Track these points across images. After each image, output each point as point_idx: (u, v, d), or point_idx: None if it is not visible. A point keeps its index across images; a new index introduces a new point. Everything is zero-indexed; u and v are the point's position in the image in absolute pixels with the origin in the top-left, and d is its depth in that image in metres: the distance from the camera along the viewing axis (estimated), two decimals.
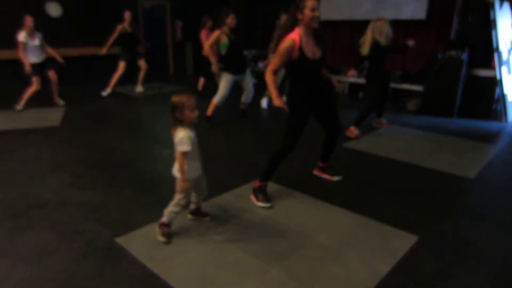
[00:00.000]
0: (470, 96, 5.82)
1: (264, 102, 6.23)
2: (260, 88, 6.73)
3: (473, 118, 5.70)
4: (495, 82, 5.56)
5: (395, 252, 2.31)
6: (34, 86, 5.58)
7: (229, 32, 4.71)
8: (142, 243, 2.38)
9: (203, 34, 6.70)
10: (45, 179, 3.34)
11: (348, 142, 4.48)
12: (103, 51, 6.66)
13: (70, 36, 7.70)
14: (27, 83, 5.58)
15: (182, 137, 2.20)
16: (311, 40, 2.74)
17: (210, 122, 4.98)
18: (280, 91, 3.03)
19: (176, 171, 2.33)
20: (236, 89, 5.20)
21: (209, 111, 4.95)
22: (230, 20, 4.66)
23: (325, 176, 3.42)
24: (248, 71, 5.07)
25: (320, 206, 2.91)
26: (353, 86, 7.34)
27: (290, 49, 2.65)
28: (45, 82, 5.79)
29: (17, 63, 5.59)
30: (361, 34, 4.73)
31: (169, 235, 2.42)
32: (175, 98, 2.21)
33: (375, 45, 4.47)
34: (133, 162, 3.79)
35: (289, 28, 2.72)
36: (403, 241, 2.43)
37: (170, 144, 2.59)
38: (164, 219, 2.41)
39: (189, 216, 2.66)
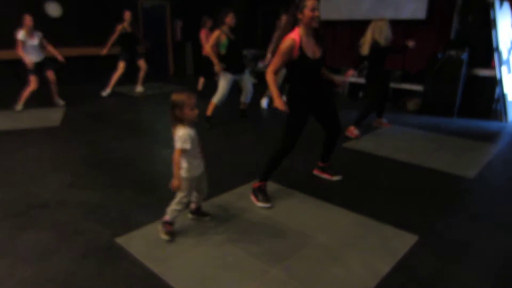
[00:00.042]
0: (470, 95, 5.82)
1: (264, 102, 6.23)
2: (260, 88, 6.73)
3: (473, 117, 5.70)
4: (495, 82, 5.56)
5: (395, 252, 2.31)
6: (32, 85, 5.58)
7: (229, 32, 4.71)
8: (142, 243, 2.38)
9: (202, 34, 6.71)
10: (45, 179, 3.34)
11: (348, 142, 4.48)
12: (104, 51, 6.67)
13: (70, 36, 7.70)
14: (26, 83, 5.58)
15: (182, 135, 2.20)
16: (312, 40, 2.74)
17: (210, 122, 4.98)
18: (281, 91, 3.02)
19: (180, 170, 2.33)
20: (235, 89, 5.20)
21: (209, 111, 4.95)
22: (230, 19, 4.66)
23: (325, 176, 3.42)
24: (247, 71, 5.07)
25: (320, 206, 2.91)
26: (353, 86, 7.34)
27: (291, 48, 2.65)
28: (44, 82, 5.78)
29: (17, 63, 5.60)
30: (361, 34, 4.73)
31: (172, 233, 2.43)
32: (175, 96, 2.21)
33: (374, 45, 4.47)
34: (133, 162, 3.79)
35: (289, 28, 2.72)
36: (403, 241, 2.43)
37: (170, 143, 2.60)
38: (167, 217, 2.42)
39: (189, 216, 2.66)
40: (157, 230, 2.48)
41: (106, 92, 6.88)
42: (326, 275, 2.11)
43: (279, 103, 2.67)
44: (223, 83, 4.84)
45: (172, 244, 2.37)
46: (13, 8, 6.53)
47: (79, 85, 7.67)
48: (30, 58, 5.48)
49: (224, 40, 4.68)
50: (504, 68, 5.45)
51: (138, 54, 7.03)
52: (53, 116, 5.44)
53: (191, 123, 2.27)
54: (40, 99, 6.04)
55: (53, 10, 7.55)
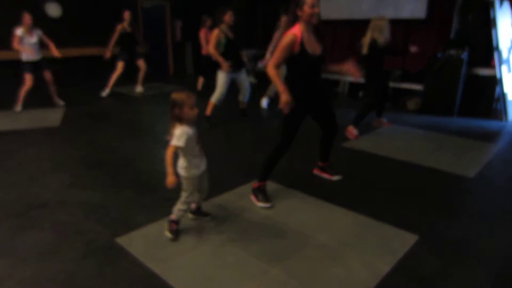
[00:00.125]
0: (470, 95, 5.82)
1: (264, 102, 6.22)
2: (260, 88, 6.73)
3: (473, 117, 5.70)
4: (495, 81, 5.56)
5: (395, 252, 2.31)
6: (27, 83, 5.57)
7: (227, 30, 4.71)
8: (142, 243, 2.38)
9: (202, 33, 6.71)
10: (45, 179, 3.34)
11: (348, 141, 4.48)
12: (108, 54, 6.66)
13: (70, 36, 7.69)
14: (22, 82, 5.57)
15: (178, 133, 2.20)
16: (312, 37, 2.75)
17: (209, 121, 4.99)
18: (278, 94, 3.00)
19: (180, 168, 2.33)
20: (235, 89, 5.19)
21: (208, 110, 4.96)
22: (228, 17, 4.66)
23: (325, 175, 3.42)
24: (244, 70, 5.06)
25: (320, 205, 2.91)
26: (353, 86, 7.35)
27: (292, 43, 2.65)
28: (43, 82, 5.78)
29: (17, 64, 5.59)
30: (361, 33, 4.73)
31: (177, 232, 2.44)
32: (175, 95, 2.22)
33: (373, 44, 4.46)
34: (133, 162, 3.79)
35: (290, 26, 2.72)
36: (403, 241, 2.43)
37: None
38: (173, 216, 2.43)
39: (190, 216, 2.66)
40: (157, 230, 2.49)
41: (105, 92, 6.88)
42: (326, 275, 2.11)
43: (286, 98, 2.67)
44: (221, 82, 4.83)
45: (172, 244, 2.38)
46: (13, 9, 6.53)
47: (79, 85, 7.68)
48: (27, 57, 5.47)
49: (222, 38, 4.68)
50: (504, 67, 5.45)
51: (138, 54, 7.04)
52: (53, 116, 5.44)
53: (191, 123, 2.27)
54: (40, 100, 6.05)
55: (53, 10, 7.55)
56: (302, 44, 2.67)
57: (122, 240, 2.41)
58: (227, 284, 2.03)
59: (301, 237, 2.48)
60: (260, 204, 2.87)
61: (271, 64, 2.73)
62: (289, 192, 3.13)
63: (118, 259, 2.22)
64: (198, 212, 2.66)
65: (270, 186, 3.10)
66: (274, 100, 6.02)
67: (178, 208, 2.42)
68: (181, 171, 2.32)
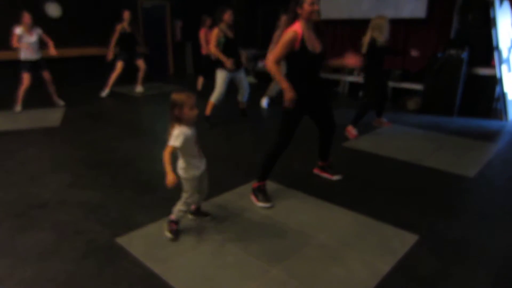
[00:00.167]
0: (470, 94, 5.82)
1: (264, 102, 6.22)
2: (260, 88, 6.73)
3: (473, 116, 5.70)
4: (495, 81, 5.56)
5: (395, 252, 2.31)
6: (25, 83, 5.56)
7: (226, 29, 4.71)
8: (142, 243, 2.38)
9: (202, 33, 6.71)
10: (45, 179, 3.35)
11: (348, 141, 4.48)
12: (110, 55, 6.65)
13: (70, 36, 7.70)
14: (19, 81, 5.57)
15: (175, 133, 2.20)
16: (312, 34, 2.74)
17: (209, 121, 4.99)
18: (280, 94, 3.01)
19: (179, 169, 2.33)
20: (235, 89, 5.20)
21: (208, 110, 4.96)
22: (227, 16, 4.66)
23: (325, 175, 3.42)
24: (242, 69, 5.05)
25: (320, 205, 2.91)
26: (353, 85, 7.34)
27: (293, 40, 2.65)
28: (43, 82, 5.78)
29: (17, 64, 5.59)
30: (361, 33, 4.72)
31: (177, 232, 2.44)
32: (175, 96, 2.22)
33: (372, 43, 4.45)
34: (133, 162, 3.79)
35: (290, 24, 2.72)
36: (403, 241, 2.43)
37: None
38: (173, 216, 2.43)
39: (190, 216, 2.66)
40: (157, 230, 2.49)
41: (105, 93, 6.87)
42: (326, 274, 2.11)
43: (291, 94, 2.66)
44: (220, 82, 4.83)
45: (172, 244, 2.38)
46: (13, 9, 6.53)
47: (79, 85, 7.68)
48: (26, 56, 5.46)
49: (221, 37, 4.68)
50: (504, 67, 5.45)
51: (137, 54, 7.02)
52: (53, 117, 5.44)
53: (190, 123, 2.27)
54: (40, 100, 6.05)
55: (53, 10, 7.55)
56: (302, 41, 2.67)
57: (122, 240, 2.41)
58: (227, 284, 2.03)
59: (301, 237, 2.48)
60: (260, 204, 2.87)
61: (271, 59, 2.71)
62: (289, 192, 3.13)
63: (118, 259, 2.23)
64: (197, 212, 2.66)
65: (270, 186, 3.10)
66: (275, 100, 6.02)
67: (178, 209, 2.42)
68: (181, 171, 2.32)
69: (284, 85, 2.70)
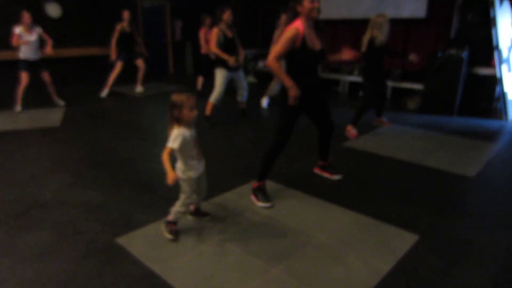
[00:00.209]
0: (470, 94, 5.82)
1: (264, 102, 6.22)
2: (261, 88, 6.73)
3: (473, 116, 5.70)
4: (495, 80, 5.56)
5: (395, 251, 2.31)
6: (23, 82, 5.56)
7: (226, 29, 4.72)
8: (142, 243, 2.38)
9: (202, 32, 6.71)
10: (46, 179, 3.35)
11: (348, 141, 4.48)
12: (113, 55, 6.64)
13: (70, 36, 7.70)
14: (18, 81, 5.56)
15: (174, 134, 2.20)
16: (312, 32, 2.74)
17: (209, 121, 4.99)
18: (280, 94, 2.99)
19: (177, 170, 2.33)
20: (234, 89, 5.20)
21: (208, 110, 4.96)
22: (227, 16, 4.66)
23: (326, 174, 3.42)
24: (241, 69, 5.05)
25: (320, 205, 2.91)
26: (353, 85, 7.34)
27: (295, 37, 2.64)
28: (42, 83, 5.78)
29: (17, 64, 5.59)
30: (361, 32, 4.71)
31: (176, 232, 2.44)
32: (175, 97, 2.22)
33: (371, 42, 4.44)
34: (134, 162, 3.79)
35: (290, 22, 2.71)
36: (404, 240, 2.43)
37: None
38: (170, 217, 2.43)
39: (190, 217, 2.66)
40: (158, 230, 2.48)
41: (104, 93, 6.86)
42: (327, 274, 2.11)
43: (295, 92, 2.66)
44: (219, 81, 4.83)
45: (172, 243, 2.38)
46: (13, 9, 6.53)
47: (79, 85, 7.68)
48: (25, 55, 5.46)
49: (220, 37, 4.69)
50: (504, 67, 5.45)
51: (136, 54, 7.01)
52: (53, 117, 5.44)
53: (189, 124, 2.27)
54: (40, 100, 6.06)
55: (53, 10, 7.55)
56: (303, 38, 2.67)
57: (122, 240, 2.41)
58: (227, 284, 2.03)
59: (301, 236, 2.48)
60: (260, 204, 2.87)
61: (272, 56, 2.68)
62: (289, 192, 3.13)
63: (118, 259, 2.23)
64: (197, 212, 2.66)
65: (270, 186, 3.10)
66: (275, 99, 6.02)
67: (176, 210, 2.41)
68: (179, 172, 2.32)
69: (288, 82, 2.69)
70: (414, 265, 2.19)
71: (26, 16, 5.35)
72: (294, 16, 2.70)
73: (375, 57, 4.51)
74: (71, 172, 3.51)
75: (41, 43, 5.65)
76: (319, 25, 2.78)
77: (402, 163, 3.82)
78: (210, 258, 2.24)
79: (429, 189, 3.24)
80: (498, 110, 5.68)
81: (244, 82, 5.10)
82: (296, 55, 2.70)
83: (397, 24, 6.37)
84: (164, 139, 2.26)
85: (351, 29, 7.20)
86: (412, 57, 4.59)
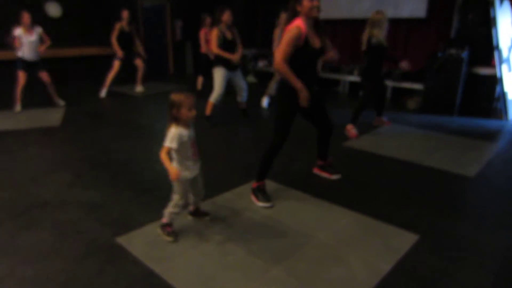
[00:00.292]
0: (471, 94, 5.82)
1: (264, 102, 6.22)
2: (261, 88, 6.73)
3: (473, 116, 5.70)
4: (496, 80, 5.56)
5: (395, 251, 2.31)
6: (20, 81, 5.55)
7: (226, 30, 4.72)
8: (142, 243, 2.38)
9: (202, 32, 6.72)
10: (46, 179, 3.35)
11: (348, 141, 4.48)
12: (120, 53, 6.60)
13: (70, 36, 7.70)
14: (16, 80, 5.57)
15: (171, 134, 2.20)
16: (312, 31, 2.74)
17: (210, 121, 4.99)
18: (277, 95, 2.99)
19: None
20: (234, 89, 5.20)
21: (208, 110, 4.96)
22: (226, 17, 4.67)
23: (325, 174, 3.42)
24: (240, 70, 5.05)
25: (320, 205, 2.91)
26: (353, 85, 7.34)
27: (298, 36, 2.62)
28: (41, 83, 5.79)
29: (15, 63, 5.59)
30: (361, 32, 4.70)
31: (174, 233, 2.43)
32: (174, 96, 2.22)
33: (369, 40, 4.42)
34: (134, 162, 3.79)
35: (289, 21, 2.71)
36: (404, 240, 2.43)
37: None
38: (165, 219, 2.42)
39: (189, 217, 2.66)
40: (158, 229, 2.48)
41: (103, 92, 6.85)
42: (327, 274, 2.11)
43: (306, 93, 2.66)
44: (218, 81, 4.83)
45: (172, 243, 2.38)
46: (13, 9, 6.53)
47: (79, 85, 7.68)
48: (24, 55, 5.45)
49: (220, 38, 4.69)
50: (504, 67, 5.45)
51: (135, 54, 6.99)
52: (53, 116, 5.45)
53: (188, 124, 2.27)
54: (40, 99, 6.06)
55: (53, 10, 7.55)
56: (306, 37, 2.67)
57: (122, 240, 2.41)
58: (227, 284, 2.03)
59: (301, 236, 2.48)
60: (260, 204, 2.87)
61: (280, 59, 2.64)
62: (289, 192, 3.13)
63: (119, 259, 2.23)
64: (197, 213, 2.66)
65: (270, 186, 3.10)
66: (275, 99, 6.02)
67: (169, 211, 2.40)
68: (166, 167, 2.31)
69: (297, 84, 2.67)
70: (414, 265, 2.20)
71: (26, 17, 5.35)
72: (294, 15, 2.70)
73: (373, 56, 4.49)
74: (71, 172, 3.51)
75: (41, 40, 5.65)
76: (319, 24, 2.77)
77: (402, 163, 3.82)
78: (210, 258, 2.24)
79: (429, 189, 3.24)
80: (498, 110, 5.68)
81: (242, 82, 5.10)
82: (298, 53, 2.69)
83: (397, 24, 6.37)
84: (164, 138, 2.26)
85: (351, 29, 7.19)
86: (404, 64, 4.58)
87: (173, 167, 2.19)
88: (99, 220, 2.66)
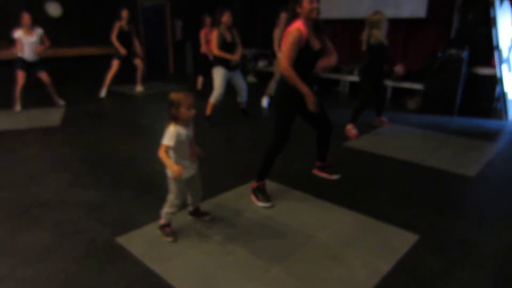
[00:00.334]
0: (471, 94, 5.82)
1: (264, 101, 6.22)
2: (261, 87, 6.73)
3: (473, 116, 5.70)
4: (496, 80, 5.56)
5: (395, 251, 2.31)
6: (19, 81, 5.55)
7: (225, 31, 4.73)
8: (142, 243, 2.38)
9: (203, 33, 6.72)
10: (46, 179, 3.35)
11: (348, 141, 4.48)
12: (123, 50, 6.60)
13: (70, 36, 7.70)
14: (15, 80, 5.58)
15: (169, 132, 2.21)
16: (312, 33, 2.74)
17: (210, 121, 4.99)
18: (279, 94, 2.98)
19: (168, 169, 2.32)
20: (233, 89, 5.19)
21: (208, 110, 4.96)
22: (226, 18, 4.67)
23: (324, 175, 3.42)
24: (239, 70, 5.05)
25: (320, 205, 2.91)
26: (353, 85, 7.34)
27: (300, 38, 2.62)
28: (42, 83, 5.79)
29: (14, 63, 5.59)
30: (361, 32, 4.70)
31: (173, 233, 2.43)
32: (173, 95, 2.22)
33: (368, 40, 4.42)
34: (134, 162, 3.79)
35: (289, 23, 2.71)
36: (404, 240, 2.43)
37: None
38: (162, 220, 2.43)
39: (189, 217, 2.66)
40: (157, 230, 2.48)
41: (103, 92, 6.84)
42: (327, 274, 2.11)
43: (314, 97, 2.65)
44: (218, 81, 4.83)
45: (172, 243, 2.38)
46: (13, 8, 6.53)
47: (79, 85, 7.68)
48: (24, 55, 5.46)
49: (219, 39, 4.70)
50: (504, 67, 5.45)
51: (134, 54, 6.98)
52: (53, 116, 5.44)
53: (186, 123, 2.27)
54: (40, 99, 6.05)
55: (53, 10, 7.54)
56: (307, 39, 2.67)
57: (122, 240, 2.41)
58: (227, 283, 2.03)
59: (301, 236, 2.48)
60: (261, 204, 2.87)
61: (286, 64, 2.63)
62: (289, 192, 3.13)
63: (118, 259, 2.23)
64: (197, 213, 2.65)
65: (270, 186, 3.10)
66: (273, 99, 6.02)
67: (165, 211, 2.41)
68: (169, 171, 2.32)
69: (304, 89, 2.67)
70: (414, 265, 2.20)
71: (26, 17, 5.34)
72: (293, 17, 2.70)
73: (374, 55, 4.48)
74: (71, 171, 3.51)
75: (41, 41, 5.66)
76: (319, 25, 2.77)
77: (402, 163, 3.82)
78: (210, 258, 2.24)
79: (429, 189, 3.24)
80: (498, 110, 5.68)
81: (242, 83, 5.10)
82: (299, 55, 2.69)
83: (397, 24, 6.37)
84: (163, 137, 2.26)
85: (351, 29, 7.19)
86: (399, 68, 4.57)
87: (174, 165, 2.18)
88: (99, 220, 2.66)
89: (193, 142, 2.43)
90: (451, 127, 5.16)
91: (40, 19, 6.20)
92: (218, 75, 4.83)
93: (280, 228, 2.58)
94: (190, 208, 2.63)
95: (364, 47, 4.49)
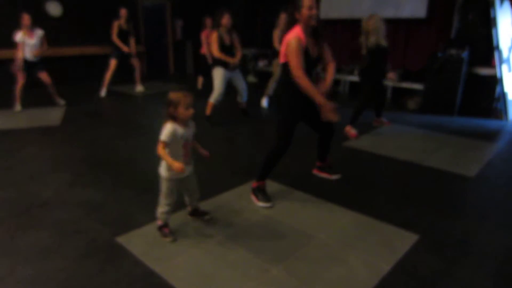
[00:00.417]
0: (471, 94, 5.82)
1: (264, 101, 6.22)
2: (261, 87, 6.73)
3: (473, 116, 5.70)
4: (496, 81, 5.56)
5: (395, 251, 2.31)
6: (20, 81, 5.54)
7: (225, 34, 4.73)
8: (142, 242, 2.38)
9: (204, 34, 6.73)
10: (46, 178, 3.35)
11: (348, 141, 4.48)
12: (126, 48, 6.58)
13: (70, 36, 7.70)
14: (15, 80, 5.58)
15: (166, 129, 2.22)
16: (311, 39, 2.75)
17: (210, 121, 4.99)
18: (276, 95, 2.96)
19: (161, 167, 2.33)
20: (234, 89, 5.19)
21: (208, 110, 4.97)
22: (225, 20, 4.68)
23: (324, 175, 3.42)
24: (239, 70, 5.05)
25: (320, 205, 2.91)
26: (353, 85, 7.34)
27: (301, 45, 2.63)
28: (42, 83, 5.78)
29: (14, 63, 5.59)
30: (361, 34, 4.69)
31: (172, 233, 2.43)
32: (172, 94, 2.23)
33: (367, 45, 4.42)
34: (134, 161, 3.79)
35: (289, 27, 2.72)
36: (404, 240, 2.44)
37: None
38: (160, 221, 2.43)
39: (189, 217, 2.66)
40: (157, 229, 2.48)
41: (103, 92, 6.83)
42: (327, 274, 2.11)
43: (330, 105, 2.62)
44: (218, 81, 4.84)
45: (172, 243, 2.38)
46: (13, 8, 6.53)
47: (79, 84, 7.68)
48: (22, 53, 5.45)
49: (218, 41, 4.71)
50: (504, 67, 5.45)
51: (131, 53, 6.95)
52: (53, 116, 5.44)
53: (185, 123, 2.27)
54: (40, 99, 6.05)
55: (53, 9, 7.54)
56: (306, 46, 2.68)
57: (122, 239, 2.41)
58: (227, 283, 2.03)
59: (301, 236, 2.48)
60: (260, 204, 2.87)
61: (299, 73, 2.61)
62: (289, 191, 3.13)
63: (119, 258, 2.23)
64: (196, 213, 2.65)
65: (270, 186, 3.10)
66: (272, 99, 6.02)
67: (160, 212, 2.41)
68: (161, 170, 2.32)
69: (319, 98, 2.64)
70: (414, 265, 2.20)
71: (26, 18, 5.34)
72: (293, 22, 2.71)
73: (372, 58, 4.48)
74: (71, 171, 3.51)
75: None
76: (318, 31, 2.77)
77: (402, 163, 3.82)
78: (210, 258, 2.24)
79: (429, 189, 3.24)
80: (498, 110, 5.68)
81: (242, 83, 5.11)
82: None
83: (397, 24, 6.38)
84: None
85: (351, 29, 7.18)
86: (391, 75, 4.56)
87: (174, 162, 2.18)
88: (99, 219, 2.66)
89: (195, 143, 2.43)
90: (451, 127, 5.16)
91: (40, 19, 6.18)
92: (218, 75, 4.83)
93: (280, 228, 2.58)
94: (189, 208, 2.63)
95: (363, 50, 4.50)
